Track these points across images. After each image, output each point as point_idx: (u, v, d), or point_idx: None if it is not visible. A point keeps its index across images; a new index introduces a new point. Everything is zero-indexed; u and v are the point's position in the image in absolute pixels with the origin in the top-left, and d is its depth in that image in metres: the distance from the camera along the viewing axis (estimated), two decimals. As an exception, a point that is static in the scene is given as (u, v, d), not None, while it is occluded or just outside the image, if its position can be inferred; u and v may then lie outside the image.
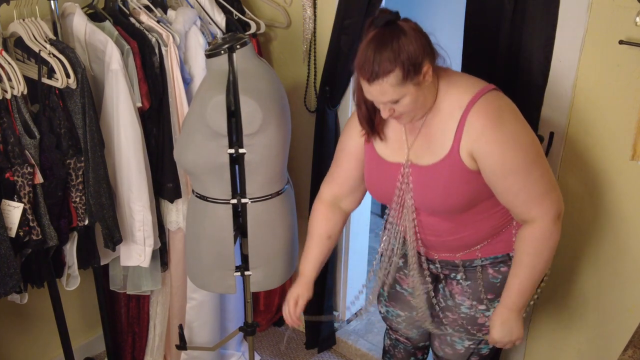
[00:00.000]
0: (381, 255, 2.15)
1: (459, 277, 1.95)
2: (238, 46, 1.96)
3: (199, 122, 1.96)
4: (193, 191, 2.14)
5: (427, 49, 1.59)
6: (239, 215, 2.15)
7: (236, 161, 2.04)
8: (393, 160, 1.81)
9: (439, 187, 1.73)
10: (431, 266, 2.01)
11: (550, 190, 1.70)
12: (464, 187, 1.71)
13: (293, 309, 2.03)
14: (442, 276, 2.01)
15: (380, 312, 2.29)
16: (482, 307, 1.94)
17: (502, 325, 1.81)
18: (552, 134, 2.03)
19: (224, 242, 2.11)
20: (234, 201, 2.07)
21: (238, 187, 2.09)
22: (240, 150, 1.98)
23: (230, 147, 1.98)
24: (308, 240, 2.05)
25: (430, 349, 2.22)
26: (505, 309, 1.80)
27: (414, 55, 1.55)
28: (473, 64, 2.09)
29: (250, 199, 2.06)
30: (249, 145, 1.97)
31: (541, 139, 2.04)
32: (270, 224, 2.13)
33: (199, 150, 1.98)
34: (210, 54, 1.97)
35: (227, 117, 1.93)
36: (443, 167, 1.71)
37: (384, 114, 1.65)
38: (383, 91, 1.58)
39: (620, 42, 1.80)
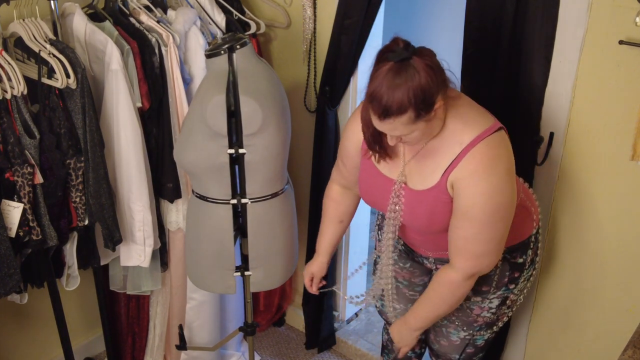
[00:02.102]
0: (377, 257, 2.17)
1: None
2: (238, 46, 1.95)
3: (199, 122, 1.96)
4: (193, 191, 2.14)
5: (441, 85, 1.55)
6: (239, 216, 2.15)
7: (236, 161, 2.04)
8: (388, 175, 1.82)
9: (425, 212, 1.76)
10: (425, 261, 2.03)
11: (485, 254, 1.73)
12: (448, 215, 1.73)
13: (309, 285, 2.21)
14: (435, 269, 2.02)
15: (375, 306, 2.32)
16: (477, 298, 1.96)
17: (398, 332, 1.99)
18: (552, 134, 2.03)
19: (224, 242, 2.11)
20: (234, 201, 2.07)
21: (238, 187, 2.09)
22: (240, 151, 1.98)
23: (230, 147, 1.98)
24: (323, 221, 2.13)
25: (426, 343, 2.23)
26: (403, 321, 1.96)
27: (428, 95, 1.51)
28: (473, 64, 2.09)
29: (250, 199, 2.06)
30: (249, 146, 1.97)
31: (541, 139, 2.05)
32: (270, 224, 2.13)
33: (199, 150, 1.98)
34: (210, 54, 1.97)
35: (227, 117, 1.93)
36: (429, 195, 1.72)
37: (391, 142, 1.64)
38: (393, 128, 1.56)
39: (620, 42, 1.80)
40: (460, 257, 1.74)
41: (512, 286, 1.94)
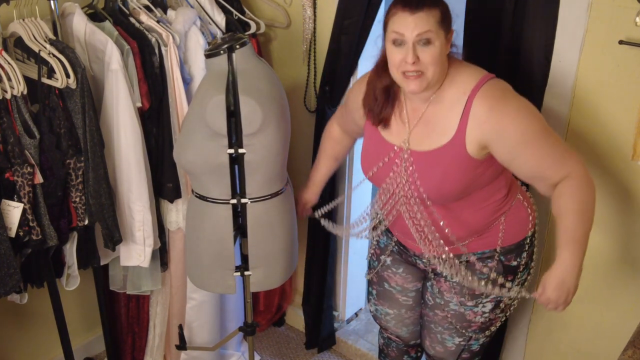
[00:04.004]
0: (371, 256, 2.19)
1: (446, 272, 1.95)
2: (237, 46, 1.95)
3: (199, 122, 1.96)
4: (193, 191, 2.14)
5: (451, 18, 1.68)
6: (239, 216, 2.15)
7: (236, 161, 2.04)
8: (392, 141, 1.83)
9: (437, 173, 1.74)
10: (418, 261, 2.02)
11: (569, 148, 1.72)
12: (461, 174, 1.72)
13: (302, 211, 2.35)
14: (430, 272, 2.02)
15: (370, 310, 2.33)
16: (471, 303, 1.96)
17: (559, 287, 1.66)
18: (552, 134, 2.03)
19: (224, 242, 2.11)
20: (234, 201, 2.07)
21: (237, 187, 2.09)
22: (240, 150, 1.98)
23: (230, 147, 1.98)
24: (319, 156, 2.29)
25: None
26: (562, 267, 1.66)
27: (449, 10, 1.65)
28: (473, 64, 2.09)
29: (249, 199, 2.06)
30: (249, 145, 1.97)
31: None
32: (270, 224, 2.13)
33: (199, 150, 1.98)
34: (210, 54, 1.97)
35: (227, 117, 1.93)
36: (444, 152, 1.72)
37: (410, 57, 1.63)
38: (425, 20, 1.60)
39: (620, 42, 1.80)
40: (563, 165, 1.68)
41: (505, 290, 1.94)
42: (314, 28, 2.53)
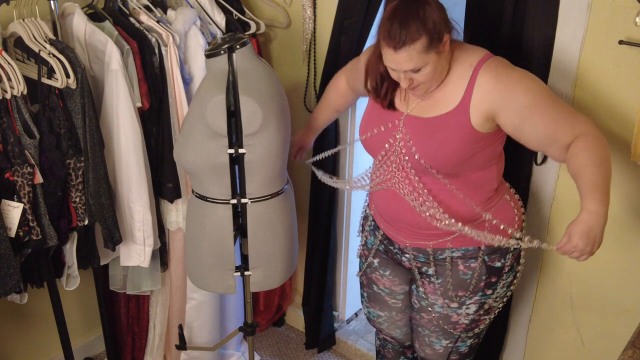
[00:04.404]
0: (360, 255, 2.21)
1: (430, 271, 1.96)
2: (238, 46, 1.96)
3: (199, 122, 1.96)
4: (193, 191, 2.14)
5: (447, 20, 1.66)
6: (239, 216, 2.15)
7: (236, 161, 2.04)
8: (395, 109, 1.85)
9: (437, 138, 1.76)
10: (403, 258, 2.02)
11: (576, 111, 1.73)
12: (460, 144, 1.74)
13: (294, 156, 2.39)
14: (415, 272, 2.01)
15: (364, 313, 2.33)
16: (454, 305, 1.96)
17: (587, 234, 1.54)
18: (552, 134, 2.03)
19: (224, 242, 2.11)
20: (234, 201, 2.07)
21: (238, 187, 2.09)
22: (240, 150, 1.99)
23: (230, 147, 1.98)
24: (322, 103, 2.31)
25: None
26: (588, 215, 1.55)
27: (438, 24, 1.62)
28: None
29: (250, 199, 2.06)
30: (249, 145, 1.97)
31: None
32: (270, 224, 2.13)
33: (199, 151, 1.98)
34: (210, 54, 1.97)
35: (227, 117, 1.93)
36: (447, 119, 1.74)
37: (404, 83, 1.68)
38: (409, 58, 1.62)
39: (620, 42, 1.80)
40: (575, 124, 1.66)
41: (489, 292, 1.94)
42: (314, 28, 2.53)
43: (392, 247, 2.05)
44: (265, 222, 2.11)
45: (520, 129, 1.69)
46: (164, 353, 2.80)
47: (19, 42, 2.02)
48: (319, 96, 2.56)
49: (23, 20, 2.00)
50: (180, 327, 2.54)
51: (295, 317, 3.20)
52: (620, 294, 2.10)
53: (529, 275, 2.26)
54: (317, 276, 2.86)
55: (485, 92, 1.69)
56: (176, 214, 2.45)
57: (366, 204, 2.16)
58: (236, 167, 2.05)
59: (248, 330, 2.53)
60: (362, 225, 2.19)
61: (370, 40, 2.36)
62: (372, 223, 2.10)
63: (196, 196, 2.11)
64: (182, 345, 2.53)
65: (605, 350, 2.19)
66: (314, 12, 2.50)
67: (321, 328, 2.97)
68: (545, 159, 2.07)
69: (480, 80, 1.70)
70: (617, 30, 1.81)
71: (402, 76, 1.68)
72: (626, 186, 1.96)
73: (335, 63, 2.42)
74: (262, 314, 3.12)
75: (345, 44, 2.35)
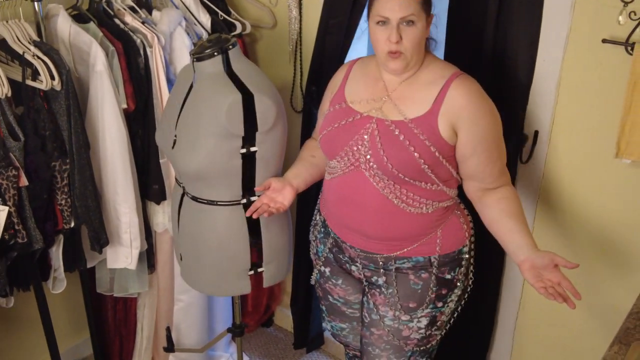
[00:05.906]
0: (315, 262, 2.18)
1: (380, 281, 1.93)
2: (230, 47, 1.96)
3: (210, 126, 1.92)
4: (195, 199, 2.09)
5: (431, 4, 1.75)
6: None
7: (247, 160, 2.02)
8: (359, 110, 1.84)
9: (399, 141, 1.75)
10: (352, 267, 2.00)
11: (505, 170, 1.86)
12: (425, 149, 1.74)
13: (262, 209, 2.00)
14: (365, 283, 1.99)
15: (328, 330, 2.32)
16: (405, 317, 1.92)
17: (533, 269, 1.72)
18: (536, 133, 2.05)
19: (240, 243, 2.09)
20: (244, 201, 2.06)
21: (246, 187, 2.07)
22: (252, 149, 1.98)
23: (243, 146, 1.97)
24: (295, 161, 2.15)
25: None
26: (533, 251, 1.71)
27: None
28: (456, 63, 2.10)
29: (259, 196, 2.05)
30: (261, 143, 1.97)
31: (526, 137, 2.06)
32: (279, 218, 2.14)
33: (212, 154, 1.95)
34: (202, 57, 1.95)
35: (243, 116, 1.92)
36: (415, 124, 1.75)
37: (393, 36, 1.69)
38: (407, 4, 1.67)
39: (604, 40, 1.81)
40: (503, 175, 1.83)
41: (440, 304, 1.91)
42: (300, 28, 2.54)
43: (341, 256, 2.02)
44: (275, 216, 2.09)
45: (468, 155, 1.77)
46: (152, 355, 2.79)
47: (3, 44, 2.01)
48: (305, 96, 2.56)
49: (7, 22, 1.99)
50: (168, 329, 2.54)
51: (284, 318, 3.19)
52: (605, 291, 2.12)
53: (515, 273, 2.27)
54: (304, 276, 2.86)
55: (455, 106, 1.72)
56: (163, 215, 2.44)
57: (317, 210, 2.12)
58: (245, 166, 2.03)
59: (236, 331, 2.52)
60: (312, 233, 2.16)
61: (355, 41, 2.36)
62: (322, 230, 2.07)
63: (201, 202, 2.09)
64: (170, 347, 2.52)
65: (591, 347, 2.21)
66: (300, 12, 2.50)
67: (310, 328, 2.97)
68: (530, 157, 2.08)
69: (453, 93, 1.73)
70: (600, 29, 1.82)
71: (394, 30, 1.69)
72: (611, 183, 1.97)
73: (321, 63, 2.42)
74: (250, 315, 3.12)
75: (330, 44, 2.36)
